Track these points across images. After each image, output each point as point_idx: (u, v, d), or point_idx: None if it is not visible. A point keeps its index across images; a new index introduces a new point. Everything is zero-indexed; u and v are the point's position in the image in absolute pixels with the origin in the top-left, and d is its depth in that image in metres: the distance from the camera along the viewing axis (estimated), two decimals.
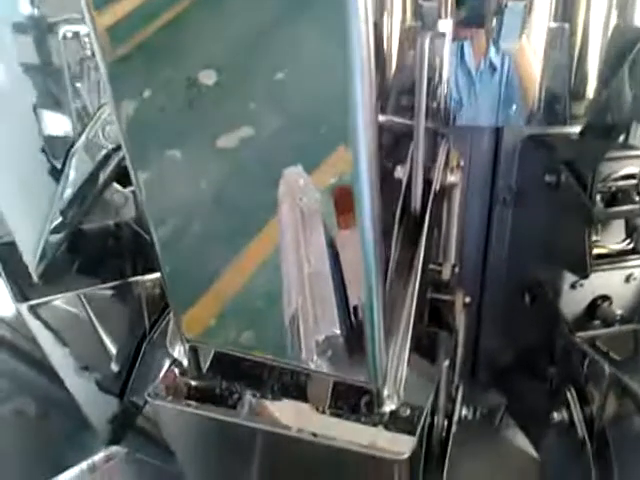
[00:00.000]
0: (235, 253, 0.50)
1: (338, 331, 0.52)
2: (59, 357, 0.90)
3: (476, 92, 0.83)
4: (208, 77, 0.41)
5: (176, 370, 0.68)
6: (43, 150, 0.81)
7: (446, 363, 0.68)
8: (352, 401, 0.61)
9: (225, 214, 0.49)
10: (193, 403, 0.64)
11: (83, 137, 0.79)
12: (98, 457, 0.89)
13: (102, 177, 0.83)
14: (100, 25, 0.43)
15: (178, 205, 0.49)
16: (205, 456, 0.74)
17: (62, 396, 0.99)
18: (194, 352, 0.64)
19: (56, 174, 0.82)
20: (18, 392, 1.10)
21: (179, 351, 0.66)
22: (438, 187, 0.60)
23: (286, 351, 0.55)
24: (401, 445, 0.56)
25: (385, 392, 0.57)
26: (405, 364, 0.57)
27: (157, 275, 0.95)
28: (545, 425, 0.88)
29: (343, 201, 0.44)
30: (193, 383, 0.66)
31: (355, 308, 0.51)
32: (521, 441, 1.03)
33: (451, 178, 0.61)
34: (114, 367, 0.98)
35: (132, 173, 0.48)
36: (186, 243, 0.52)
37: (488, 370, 1.04)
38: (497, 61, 0.82)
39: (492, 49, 0.82)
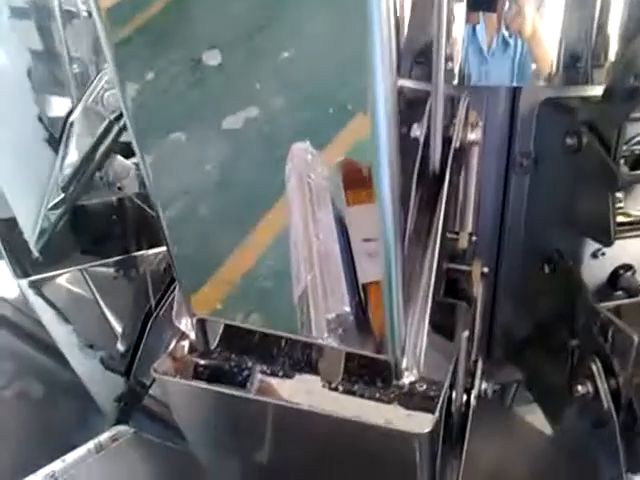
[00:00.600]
0: (244, 232, 0.50)
1: (348, 309, 0.51)
2: (63, 335, 0.88)
3: (493, 50, 0.79)
4: (212, 58, 0.41)
5: (184, 345, 0.66)
6: (40, 118, 0.78)
7: (465, 335, 0.66)
8: (366, 377, 0.59)
9: (233, 194, 0.48)
10: (201, 380, 0.62)
11: (81, 104, 0.75)
12: (104, 437, 0.86)
13: (103, 148, 0.80)
14: (103, 6, 0.42)
15: (185, 186, 0.49)
16: (213, 433, 0.72)
17: (67, 376, 0.97)
18: (202, 325, 0.61)
19: (54, 143, 0.79)
20: (22, 373, 1.09)
21: (186, 324, 0.63)
22: (458, 144, 0.57)
23: (296, 329, 0.54)
24: (421, 421, 0.54)
25: (404, 364, 0.54)
26: (424, 335, 0.54)
27: (161, 249, 0.93)
28: (565, 399, 0.84)
29: (353, 177, 0.43)
30: (201, 360, 0.64)
31: (365, 285, 0.50)
32: (533, 418, 1.00)
33: (471, 135, 0.58)
34: (119, 345, 0.96)
35: (138, 154, 0.48)
36: (194, 223, 0.51)
37: (503, 344, 1.01)
38: None
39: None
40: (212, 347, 0.65)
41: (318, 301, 0.52)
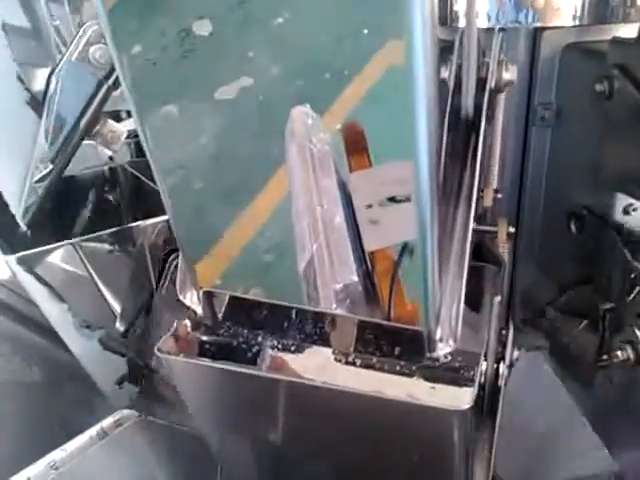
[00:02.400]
0: (245, 202, 0.49)
1: (356, 278, 0.49)
2: (57, 315, 0.83)
3: None
4: (203, 27, 0.41)
5: (188, 322, 0.61)
6: (19, 78, 0.71)
7: (497, 300, 0.60)
8: (386, 349, 0.54)
9: (232, 164, 0.48)
10: (207, 357, 0.58)
11: (64, 60, 0.68)
12: (107, 422, 0.81)
13: (92, 109, 0.73)
14: None
15: (184, 157, 0.48)
16: (223, 414, 0.68)
17: (66, 359, 0.92)
18: (209, 298, 0.57)
19: (37, 106, 0.72)
20: (20, 356, 1.04)
21: (191, 298, 0.58)
22: (493, 84, 0.50)
23: (303, 301, 0.52)
24: (459, 397, 0.49)
25: (438, 334, 0.49)
26: (461, 302, 0.48)
27: (159, 219, 0.87)
28: (597, 366, 0.80)
29: (354, 142, 0.42)
30: (207, 337, 0.60)
31: (372, 253, 0.48)
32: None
33: (506, 75, 0.52)
34: (119, 324, 0.90)
35: (138, 125, 0.47)
36: (195, 195, 0.50)
37: (526, 309, 0.95)
38: None
39: None
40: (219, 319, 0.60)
41: (325, 271, 0.50)
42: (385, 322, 0.50)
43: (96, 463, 0.77)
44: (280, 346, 0.58)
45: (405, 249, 0.47)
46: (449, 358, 0.50)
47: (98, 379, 0.85)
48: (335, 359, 0.56)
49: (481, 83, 0.50)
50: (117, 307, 0.94)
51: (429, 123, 0.38)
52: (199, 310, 0.59)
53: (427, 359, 0.51)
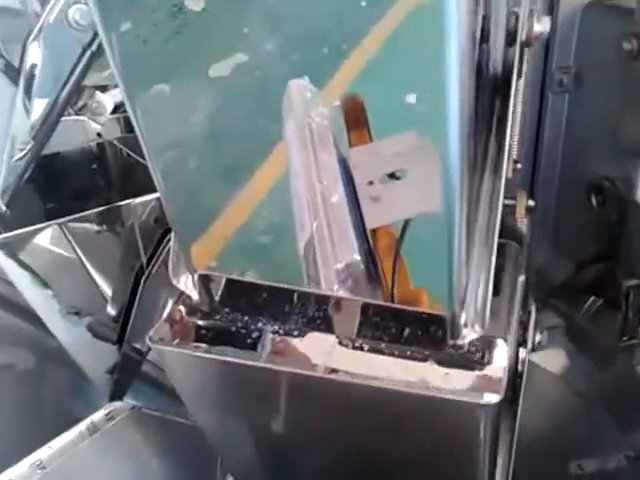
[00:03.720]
0: (242, 181, 0.47)
1: (358, 257, 0.47)
2: (42, 302, 0.78)
3: None
4: (195, 2, 0.39)
5: (182, 308, 0.57)
6: None
7: (522, 280, 0.55)
8: (403, 335, 0.50)
9: (228, 142, 0.46)
10: (204, 345, 0.55)
11: (42, 22, 0.62)
12: (98, 416, 0.76)
13: (74, 78, 0.67)
14: None
15: (178, 136, 0.46)
16: (221, 405, 0.65)
17: (56, 346, 0.87)
18: (205, 281, 0.53)
19: (13, 74, 0.67)
20: (8, 344, 0.98)
21: (186, 282, 0.54)
22: (524, 37, 0.45)
23: (303, 283, 0.50)
24: (487, 389, 0.44)
25: (462, 319, 0.44)
26: (490, 283, 0.43)
27: (149, 197, 0.82)
28: (618, 346, 0.76)
29: (354, 116, 0.41)
30: (203, 322, 0.56)
31: (373, 231, 0.46)
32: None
33: (538, 26, 0.46)
34: (109, 309, 0.86)
35: (128, 105, 0.44)
36: (189, 174, 0.48)
37: (539, 288, 0.91)
38: None
39: None
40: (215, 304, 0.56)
41: (325, 250, 0.47)
42: (404, 306, 0.45)
43: (86, 459, 0.72)
44: (282, 331, 0.55)
45: (407, 227, 0.45)
46: (475, 346, 0.45)
47: (88, 368, 0.81)
48: (340, 343, 0.53)
49: (510, 36, 0.45)
50: (107, 291, 0.90)
51: (462, 75, 0.34)
52: (194, 295, 0.54)
53: (449, 347, 0.46)
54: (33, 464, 0.68)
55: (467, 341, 0.44)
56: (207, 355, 0.54)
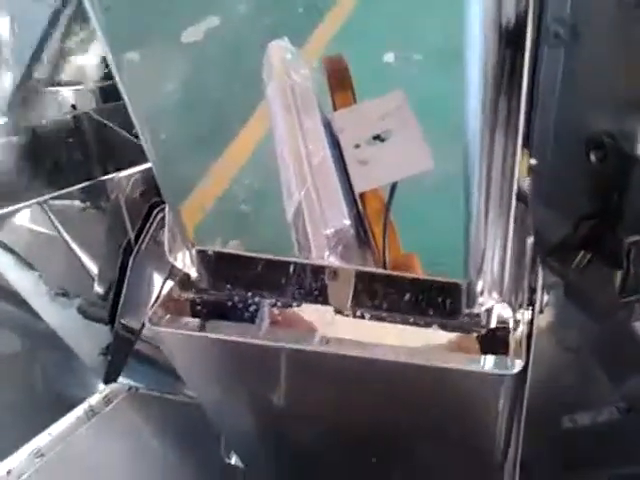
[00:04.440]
0: (224, 145, 0.48)
1: (348, 222, 0.46)
2: (28, 285, 0.75)
3: None
4: None
5: (178, 286, 0.55)
6: None
7: (530, 241, 0.54)
8: (416, 305, 0.47)
9: (209, 107, 0.47)
10: (203, 323, 0.54)
11: None
12: (95, 400, 0.74)
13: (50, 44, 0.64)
14: None
15: (161, 102, 0.47)
16: (222, 382, 0.63)
17: (45, 328, 0.85)
18: (204, 258, 0.51)
19: None
20: None
21: (183, 259, 0.53)
22: None
23: (293, 250, 0.50)
24: (506, 361, 0.43)
25: (479, 286, 0.42)
26: (508, 248, 0.41)
27: (134, 170, 0.79)
28: (618, 303, 0.75)
29: (337, 77, 0.41)
30: (200, 298, 0.55)
31: (362, 195, 0.46)
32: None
33: None
34: (98, 288, 0.83)
35: (114, 71, 0.44)
36: (176, 139, 0.48)
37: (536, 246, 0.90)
38: None
39: None
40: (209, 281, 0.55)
41: (315, 216, 0.47)
42: (416, 275, 0.43)
43: (86, 445, 0.70)
44: (280, 304, 0.54)
45: (394, 189, 0.44)
46: (492, 315, 0.43)
47: (80, 351, 0.78)
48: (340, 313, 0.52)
49: None
50: (94, 269, 0.87)
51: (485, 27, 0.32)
52: (193, 273, 0.52)
53: (464, 315, 0.44)
54: (31, 452, 0.66)
55: (484, 309, 0.43)
56: (208, 334, 0.52)
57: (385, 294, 0.49)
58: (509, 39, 0.45)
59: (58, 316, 0.78)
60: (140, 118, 0.46)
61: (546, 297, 0.61)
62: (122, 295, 0.79)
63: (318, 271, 0.52)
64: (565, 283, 0.89)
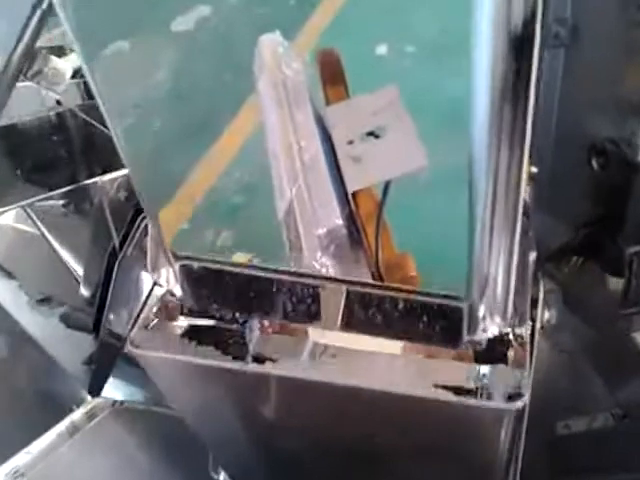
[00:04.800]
0: (211, 141, 0.48)
1: (340, 221, 0.46)
2: (8, 295, 0.72)
3: None
4: None
5: (159, 305, 0.52)
6: None
7: (533, 257, 0.51)
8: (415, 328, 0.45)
9: (192, 103, 0.46)
10: (186, 345, 0.50)
11: None
12: (77, 415, 0.72)
13: (25, 41, 0.61)
14: None
15: (141, 97, 0.45)
16: (207, 404, 0.61)
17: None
18: (188, 273, 0.48)
19: None
20: None
21: (166, 277, 0.50)
22: None
23: (284, 252, 0.48)
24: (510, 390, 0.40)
25: (481, 311, 0.39)
26: (512, 268, 0.39)
27: (119, 173, 0.76)
28: (619, 313, 0.73)
29: (330, 70, 0.41)
30: (184, 317, 0.52)
31: (355, 194, 0.45)
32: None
33: None
34: (83, 290, 0.81)
35: (84, 64, 0.41)
36: (154, 136, 0.48)
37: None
38: None
39: None
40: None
41: (306, 215, 0.46)
42: (419, 296, 0.41)
43: (68, 462, 0.67)
44: (267, 323, 0.51)
45: (388, 188, 0.43)
46: (495, 341, 0.41)
47: (63, 361, 0.76)
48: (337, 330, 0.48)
49: None
50: (79, 270, 0.84)
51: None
52: (177, 290, 0.50)
53: (465, 343, 0.42)
54: (11, 472, 0.64)
55: (486, 337, 0.40)
56: (192, 359, 0.49)
57: (378, 313, 0.46)
58: (517, 40, 0.43)
59: (39, 326, 0.76)
60: (114, 117, 0.43)
61: (547, 313, 0.59)
62: (107, 301, 0.77)
63: (307, 288, 0.48)
64: (562, 290, 0.88)
